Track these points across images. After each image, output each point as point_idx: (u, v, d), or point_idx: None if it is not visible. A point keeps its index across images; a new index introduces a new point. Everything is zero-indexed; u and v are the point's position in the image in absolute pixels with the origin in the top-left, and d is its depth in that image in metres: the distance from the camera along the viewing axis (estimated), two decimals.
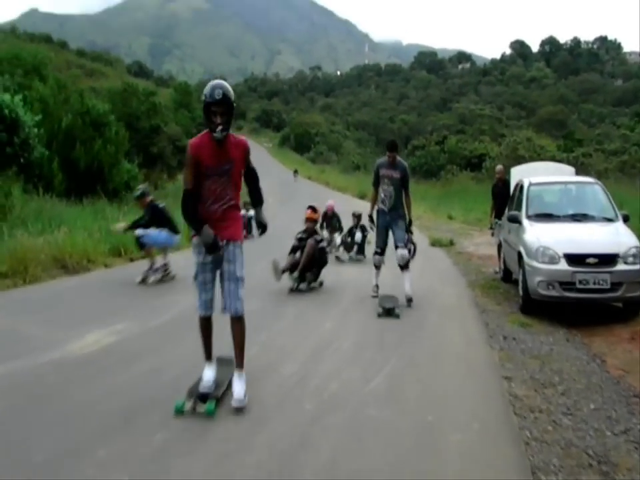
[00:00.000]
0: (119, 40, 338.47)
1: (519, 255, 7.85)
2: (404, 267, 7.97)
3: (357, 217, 13.26)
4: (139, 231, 9.77)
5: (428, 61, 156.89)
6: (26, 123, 16.71)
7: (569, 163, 13.87)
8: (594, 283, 6.96)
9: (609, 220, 7.98)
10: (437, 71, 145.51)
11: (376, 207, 8.28)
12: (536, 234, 7.63)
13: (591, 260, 7.00)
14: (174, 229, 9.89)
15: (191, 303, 5.00)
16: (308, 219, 9.55)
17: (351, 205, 28.55)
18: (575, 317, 7.36)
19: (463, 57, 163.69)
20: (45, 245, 10.58)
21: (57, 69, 56.27)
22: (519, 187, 9.17)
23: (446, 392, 4.70)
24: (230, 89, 4.19)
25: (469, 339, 6.31)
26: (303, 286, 8.87)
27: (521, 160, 22.03)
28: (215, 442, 3.70)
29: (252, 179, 4.75)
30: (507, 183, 11.06)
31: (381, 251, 8.22)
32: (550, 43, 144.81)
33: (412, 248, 8.21)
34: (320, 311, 7.56)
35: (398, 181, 7.99)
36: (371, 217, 8.31)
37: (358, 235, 12.80)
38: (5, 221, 13.00)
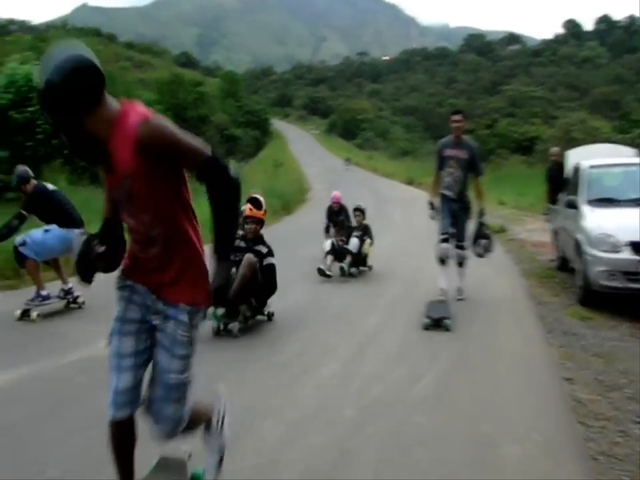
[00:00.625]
0: (167, 32, 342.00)
1: (577, 242, 7.32)
2: (461, 263, 7.40)
3: (361, 211, 10.00)
4: (18, 238, 6.65)
5: (477, 44, 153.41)
6: None
7: (625, 144, 13.07)
8: None
9: None
10: (486, 53, 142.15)
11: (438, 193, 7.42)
12: (596, 220, 7.09)
13: None
14: (72, 222, 6.77)
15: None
16: (248, 218, 6.42)
17: (399, 191, 28.27)
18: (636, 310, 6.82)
19: (512, 38, 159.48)
20: None
21: (106, 61, 56.71)
22: (577, 170, 8.58)
23: (501, 396, 4.31)
24: (75, 60, 2.13)
25: (524, 335, 5.87)
26: (233, 326, 5.93)
27: (574, 142, 21.08)
28: (245, 455, 3.41)
29: (210, 182, 2.24)
30: (562, 166, 10.44)
31: (446, 237, 7.23)
32: (604, 21, 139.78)
33: (488, 242, 7.31)
34: (364, 305, 7.22)
35: (465, 162, 7.16)
36: (431, 203, 7.42)
37: (353, 241, 9.34)
38: None
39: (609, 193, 7.81)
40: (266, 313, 6.45)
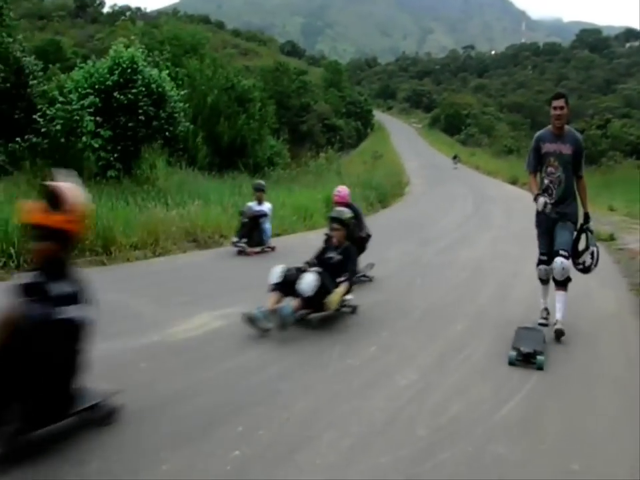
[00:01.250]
0: (273, 20, 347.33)
1: None
2: (561, 283, 5.77)
3: (341, 224, 6.26)
4: None
5: (591, 39, 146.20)
6: (172, 97, 17.06)
7: None
8: None
9: None
10: (601, 50, 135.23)
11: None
12: None
13: None
14: None
15: None
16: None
17: (501, 190, 27.12)
18: None
19: (631, 34, 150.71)
20: (177, 218, 10.56)
21: (213, 48, 58.44)
22: None
23: (597, 430, 3.75)
24: None
25: (629, 360, 5.19)
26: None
27: None
28: (301, 469, 3.06)
29: None
30: None
31: (547, 258, 5.95)
32: None
33: (593, 254, 5.95)
34: (450, 311, 6.73)
35: (569, 158, 5.79)
36: (537, 195, 5.86)
37: (306, 279, 5.58)
38: (148, 192, 13.40)
39: None
40: (346, 305, 6.00)
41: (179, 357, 4.63)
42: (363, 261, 7.18)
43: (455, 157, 43.99)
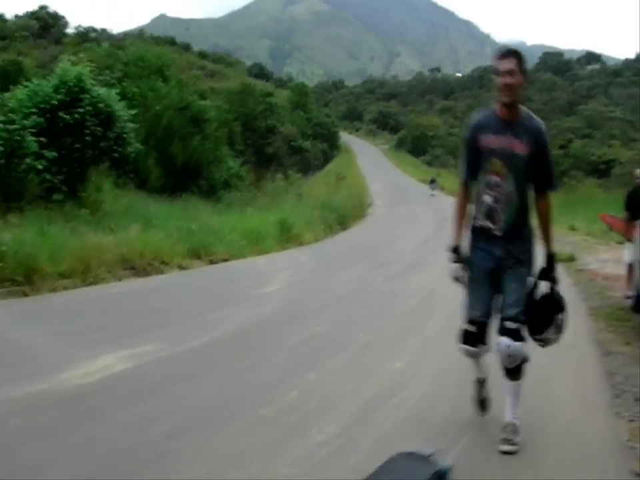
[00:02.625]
0: (241, 43, 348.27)
1: None
2: (512, 371, 3.67)
3: None
4: None
5: (553, 62, 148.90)
6: (121, 117, 16.44)
7: None
8: None
9: None
10: (563, 72, 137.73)
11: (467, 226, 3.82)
12: None
13: None
14: None
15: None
16: None
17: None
18: None
19: (592, 57, 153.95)
20: (114, 243, 9.87)
21: (179, 70, 57.99)
22: None
23: None
24: None
25: (584, 399, 4.64)
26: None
27: None
28: None
29: None
30: None
31: (479, 323, 3.72)
32: None
33: (560, 324, 3.77)
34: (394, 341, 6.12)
35: (523, 161, 3.57)
36: (454, 248, 3.82)
37: None
38: (92, 216, 12.81)
39: None
40: None
41: (62, 409, 3.93)
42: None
43: (432, 181, 37.03)
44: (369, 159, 66.84)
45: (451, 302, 8.23)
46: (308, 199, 23.74)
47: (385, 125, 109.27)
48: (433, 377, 4.97)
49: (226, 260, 11.59)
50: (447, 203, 30.24)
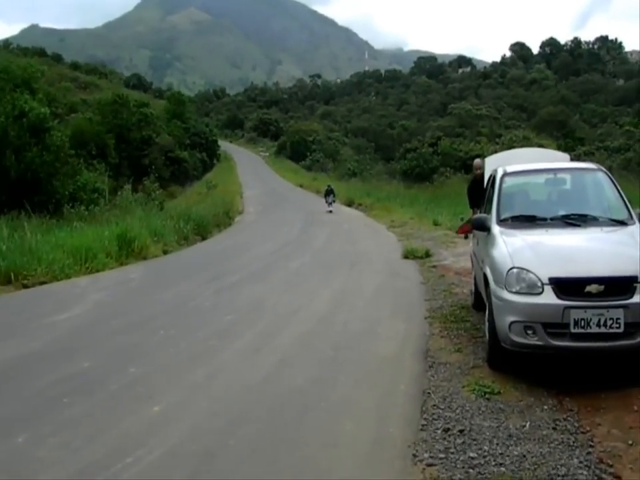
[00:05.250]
0: (120, 54, 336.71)
1: (485, 278, 5.23)
2: None
3: None
4: None
5: (428, 66, 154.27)
6: None
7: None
8: (598, 325, 4.32)
9: (620, 223, 5.30)
10: (437, 75, 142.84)
11: None
12: (508, 247, 4.94)
13: (593, 288, 4.36)
14: None
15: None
16: None
17: (336, 212, 26.07)
18: (568, 374, 4.73)
19: (463, 61, 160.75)
20: None
21: (49, 82, 54.60)
22: (492, 179, 6.48)
23: None
24: None
25: (379, 438, 3.65)
26: None
27: None
28: None
29: None
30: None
31: None
32: (550, 45, 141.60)
33: None
34: None
35: None
36: None
37: None
38: None
39: (529, 209, 5.73)
40: None
41: None
42: None
43: (329, 193, 27.44)
44: (249, 166, 65.75)
45: (272, 315, 7.25)
46: (171, 210, 22.19)
47: (265, 132, 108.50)
48: (189, 425, 3.83)
49: (43, 283, 10.02)
50: (321, 205, 29.67)
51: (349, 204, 30.31)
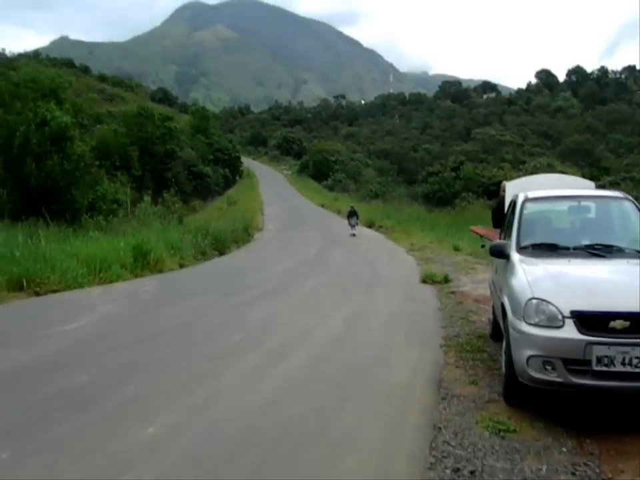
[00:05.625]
0: (146, 67, 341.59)
1: (503, 308, 5.00)
2: None
3: None
4: None
5: (452, 90, 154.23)
6: None
7: None
8: (623, 363, 4.06)
9: None
10: (462, 100, 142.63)
11: None
12: (528, 277, 4.70)
13: (618, 323, 4.11)
14: None
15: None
16: None
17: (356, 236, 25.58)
18: (589, 413, 4.47)
19: (488, 86, 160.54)
20: None
21: (76, 93, 55.49)
22: (512, 205, 6.25)
23: None
24: None
25: (382, 475, 3.42)
26: None
27: None
28: None
29: None
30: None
31: None
32: (576, 73, 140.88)
33: None
34: None
35: None
36: None
37: None
38: None
39: (551, 237, 5.49)
40: None
41: None
42: None
43: (352, 214, 25.47)
44: (271, 183, 65.85)
45: (282, 336, 7.04)
46: (189, 224, 22.16)
47: (289, 150, 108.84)
48: (183, 451, 3.62)
49: (55, 291, 9.94)
50: (341, 226, 29.39)
51: (370, 225, 30.08)
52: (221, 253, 18.68)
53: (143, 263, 13.29)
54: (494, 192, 35.29)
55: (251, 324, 7.60)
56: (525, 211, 5.65)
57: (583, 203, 5.83)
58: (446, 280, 12.28)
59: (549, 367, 4.21)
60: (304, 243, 22.15)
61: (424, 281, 12.32)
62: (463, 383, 5.25)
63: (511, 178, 30.46)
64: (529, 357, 4.28)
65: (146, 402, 4.49)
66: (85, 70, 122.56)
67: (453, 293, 11.05)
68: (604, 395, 4.40)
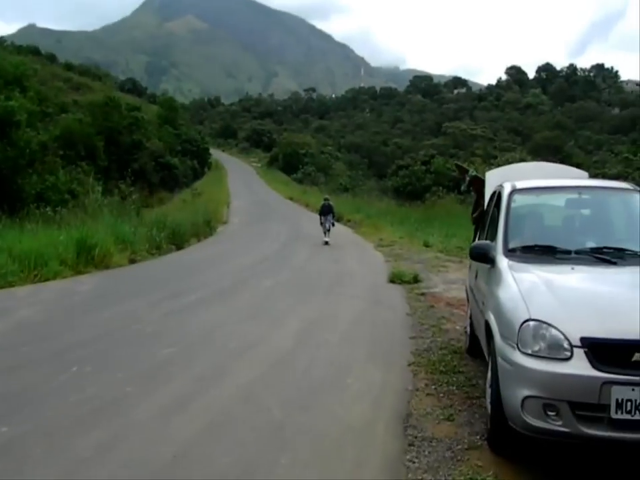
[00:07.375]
0: (116, 58, 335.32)
1: (487, 327, 3.94)
2: None
3: None
4: None
5: (423, 85, 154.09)
6: None
7: None
8: None
9: None
10: (432, 95, 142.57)
11: None
12: (521, 289, 3.65)
13: None
14: None
15: None
16: None
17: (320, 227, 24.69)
18: (598, 466, 3.46)
19: (458, 82, 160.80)
20: None
21: (42, 81, 53.64)
22: (496, 197, 5.18)
23: None
24: None
25: None
26: None
27: None
28: None
29: None
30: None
31: None
32: (546, 70, 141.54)
33: None
34: None
35: None
36: None
37: None
38: None
39: (547, 238, 4.43)
40: None
41: None
42: None
43: (326, 211, 19.83)
44: (239, 176, 64.62)
45: (219, 352, 5.91)
46: (147, 216, 20.86)
47: (258, 142, 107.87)
48: None
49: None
50: (308, 220, 28.27)
51: (338, 219, 29.12)
52: (179, 247, 17.52)
53: (87, 258, 12.07)
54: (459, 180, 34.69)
55: (188, 334, 6.46)
56: (512, 205, 4.52)
57: (585, 196, 4.73)
58: (415, 280, 11.27)
59: (551, 413, 3.14)
60: (268, 237, 21.10)
61: (392, 281, 11.31)
62: (436, 419, 4.19)
63: (483, 172, 29.73)
64: (525, 398, 3.20)
65: (17, 451, 3.33)
66: (52, 58, 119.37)
67: (423, 294, 10.04)
68: (624, 450, 3.36)
